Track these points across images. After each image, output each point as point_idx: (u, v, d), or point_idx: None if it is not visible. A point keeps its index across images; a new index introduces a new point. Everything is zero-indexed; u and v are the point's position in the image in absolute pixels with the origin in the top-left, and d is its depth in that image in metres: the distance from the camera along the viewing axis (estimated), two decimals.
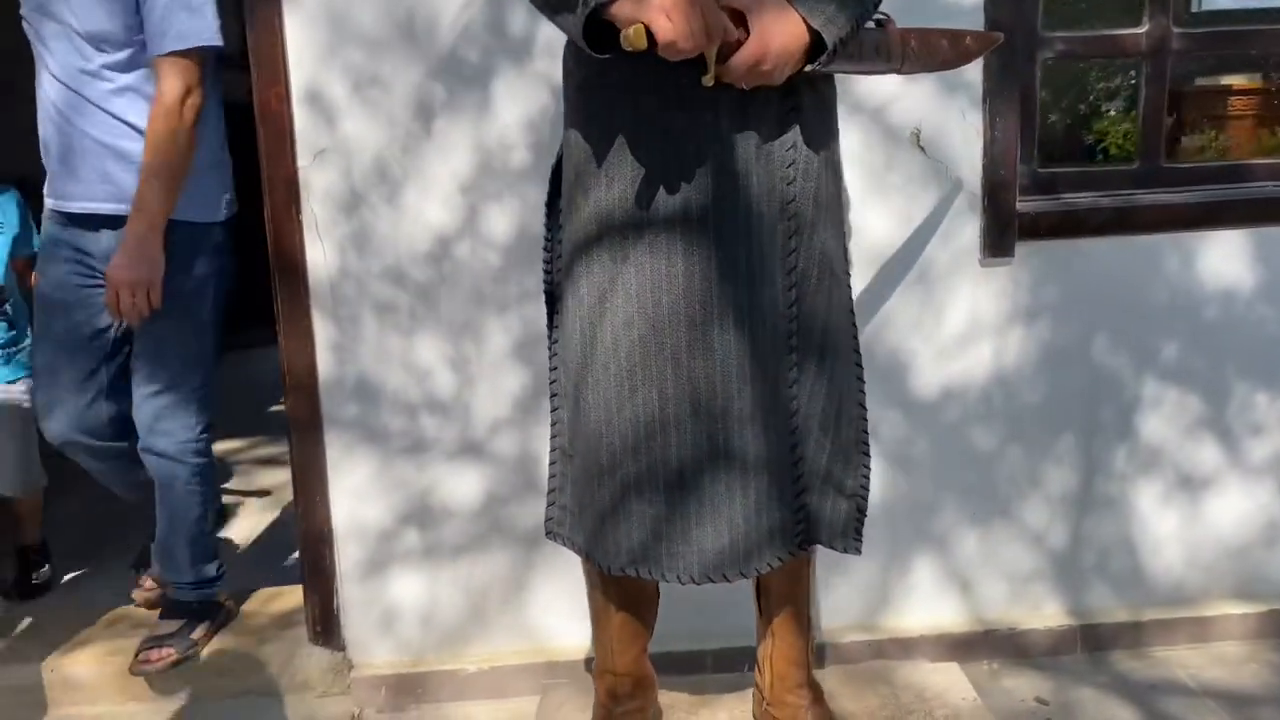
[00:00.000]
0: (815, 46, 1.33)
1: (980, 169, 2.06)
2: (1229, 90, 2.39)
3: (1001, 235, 2.07)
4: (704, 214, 1.39)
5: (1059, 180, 2.14)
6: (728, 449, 1.45)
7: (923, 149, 2.05)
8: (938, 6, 2.00)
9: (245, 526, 3.04)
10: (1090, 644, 2.25)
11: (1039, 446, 2.20)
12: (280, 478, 3.24)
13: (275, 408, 3.98)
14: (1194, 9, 2.16)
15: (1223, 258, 2.14)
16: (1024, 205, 2.09)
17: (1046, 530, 2.24)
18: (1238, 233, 2.13)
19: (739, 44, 1.28)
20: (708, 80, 1.28)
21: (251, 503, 3.22)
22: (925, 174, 2.06)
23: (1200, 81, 2.53)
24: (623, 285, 1.42)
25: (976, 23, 2.01)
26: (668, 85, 1.36)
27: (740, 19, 1.29)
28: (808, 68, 1.34)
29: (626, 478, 1.47)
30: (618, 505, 1.49)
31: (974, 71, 2.02)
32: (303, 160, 1.98)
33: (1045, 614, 2.26)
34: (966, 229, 2.09)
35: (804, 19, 1.30)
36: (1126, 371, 2.18)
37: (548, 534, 1.64)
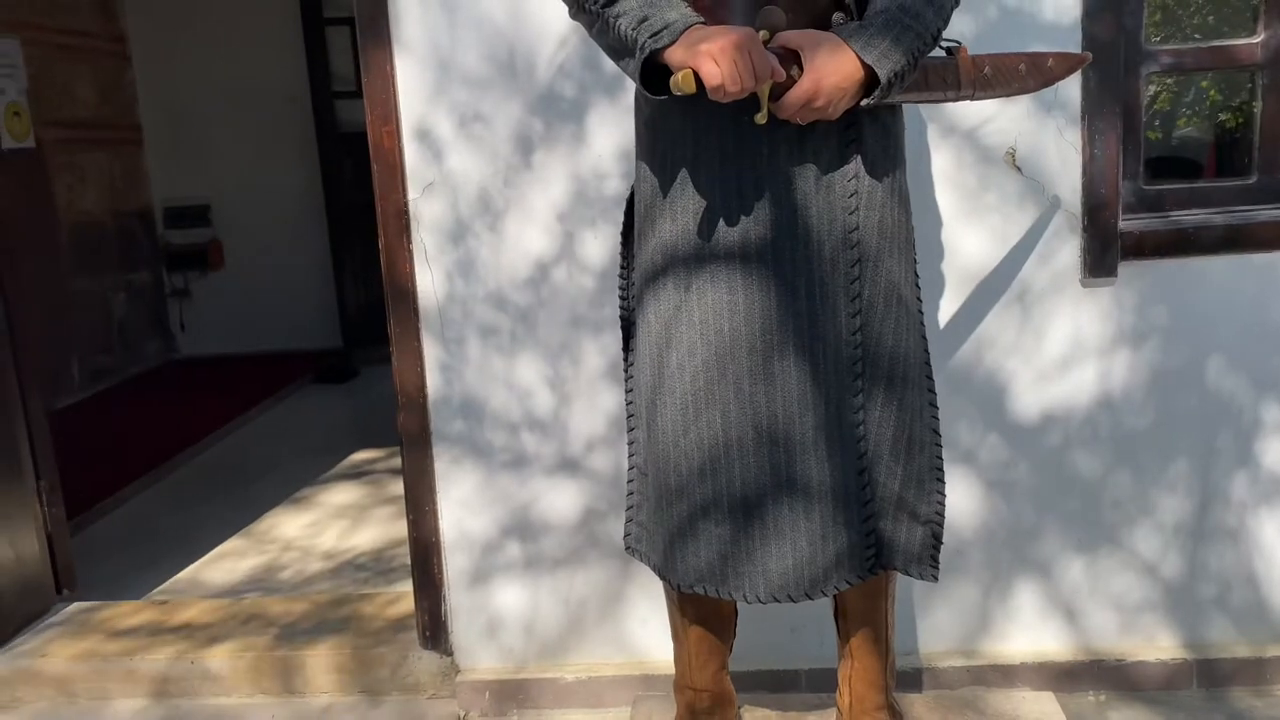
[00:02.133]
0: (872, 80, 1.35)
1: (1079, 187, 2.01)
2: None
3: (1103, 254, 2.02)
4: (763, 245, 1.43)
5: (1166, 197, 2.06)
6: (790, 474, 1.48)
7: (1019, 168, 2.02)
8: (1034, 26, 1.97)
9: (372, 534, 3.22)
10: (1207, 680, 2.15)
11: (1149, 473, 2.12)
12: None
13: None
14: None
15: None
16: (1127, 224, 2.02)
17: (1160, 560, 2.15)
18: None
19: (792, 82, 1.32)
20: (761, 118, 1.32)
21: (377, 510, 3.41)
22: (1022, 193, 2.03)
23: None
24: (686, 314, 1.48)
25: (1074, 40, 1.97)
26: (726, 122, 1.41)
27: (794, 57, 1.33)
28: (863, 102, 1.36)
29: (693, 499, 1.52)
30: (685, 525, 1.54)
31: (1071, 88, 1.98)
32: (413, 193, 2.12)
33: (1158, 646, 2.18)
34: (1066, 249, 2.04)
35: (857, 55, 1.33)
36: (1244, 395, 2.08)
37: (627, 549, 1.70)
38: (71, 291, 5.00)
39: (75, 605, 2.65)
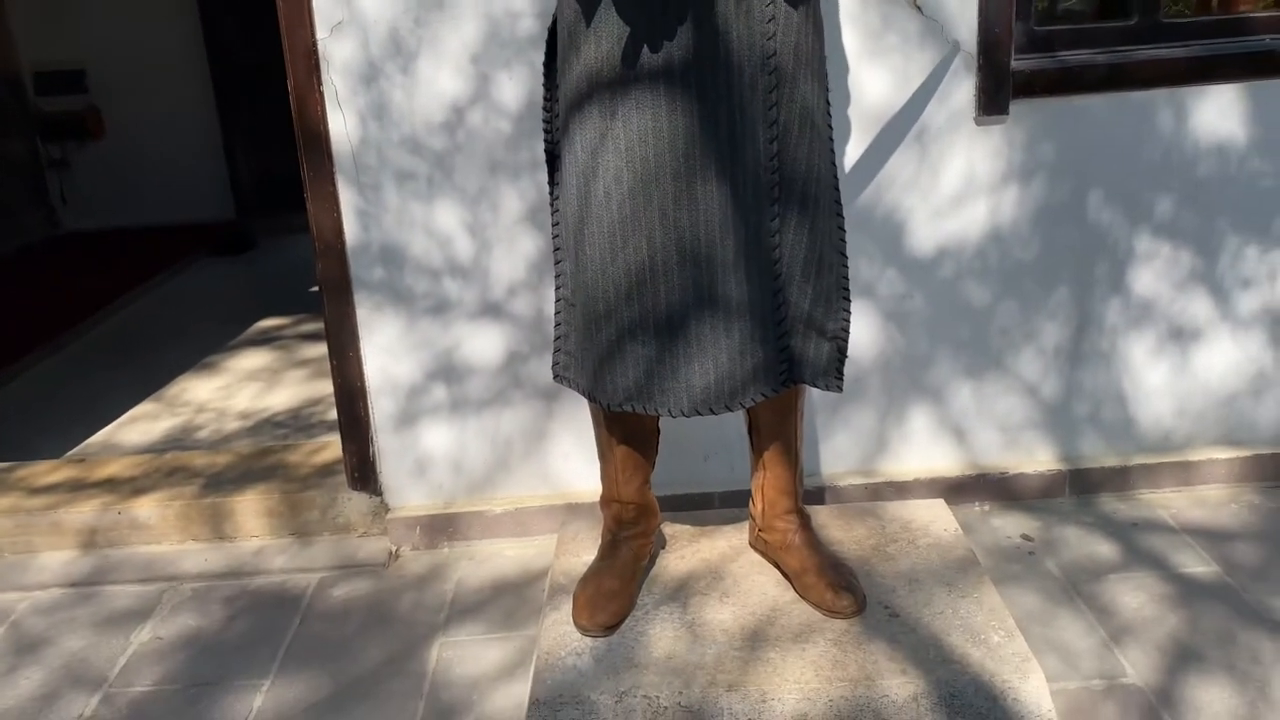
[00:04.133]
0: None
1: (976, 28, 2.10)
2: None
3: (996, 93, 2.13)
4: (686, 70, 1.49)
5: (1055, 38, 2.17)
6: (712, 294, 1.58)
7: (919, 9, 2.09)
8: None
9: (287, 394, 3.24)
10: (1078, 488, 2.38)
11: (1033, 301, 2.29)
12: (323, 350, 3.43)
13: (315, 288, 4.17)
14: None
15: (1218, 112, 2.18)
16: (1019, 63, 2.13)
17: (1040, 382, 2.35)
18: (1233, 87, 2.16)
19: None
20: None
21: (290, 373, 3.42)
22: (922, 34, 2.11)
23: None
24: (612, 141, 1.53)
25: None
26: None
27: None
28: None
29: (621, 322, 1.61)
30: (614, 348, 1.63)
31: None
32: (321, 33, 2.08)
33: (1037, 460, 2.39)
34: (962, 88, 2.15)
35: None
36: (1120, 227, 2.25)
37: (555, 377, 1.79)
38: None
39: None
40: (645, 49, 1.49)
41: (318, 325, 3.71)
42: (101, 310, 4.17)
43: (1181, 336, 2.32)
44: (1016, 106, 2.15)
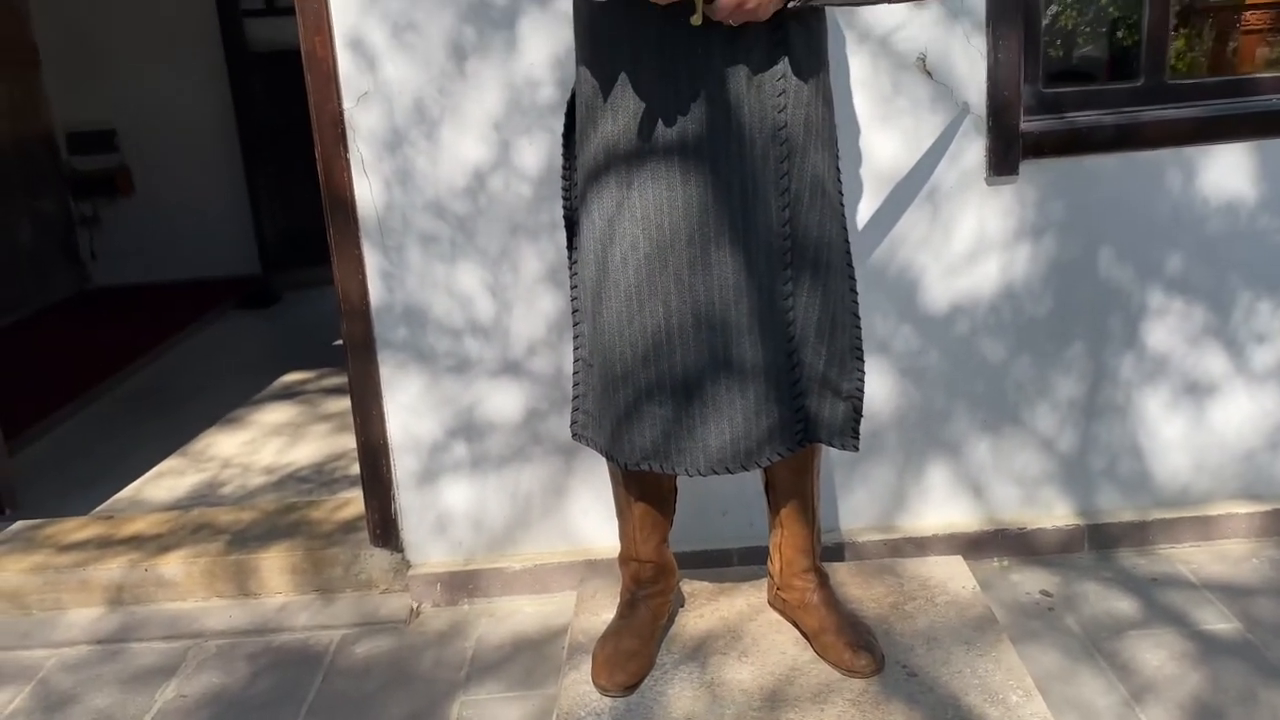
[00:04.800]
0: None
1: (985, 91, 2.15)
2: (1242, 4, 2.42)
3: (1006, 154, 2.17)
4: (699, 142, 1.54)
5: (1063, 100, 2.22)
6: (727, 356, 1.61)
7: (929, 74, 2.14)
8: None
9: (311, 449, 3.29)
10: (1097, 543, 2.38)
11: (1047, 356, 2.31)
12: (346, 405, 3.48)
13: (339, 342, 4.23)
14: None
15: (1226, 171, 2.21)
16: (1028, 125, 2.17)
17: (1056, 436, 2.36)
18: (1240, 146, 2.19)
19: None
20: (695, 20, 1.42)
21: (313, 428, 3.47)
22: (932, 98, 2.16)
23: None
24: (629, 209, 1.58)
25: None
26: (663, 25, 1.49)
27: None
28: (789, 5, 1.46)
29: (639, 384, 1.64)
30: (632, 408, 1.66)
31: None
32: (348, 102, 2.15)
33: (1055, 515, 2.40)
34: (973, 149, 2.19)
35: None
36: (1132, 283, 2.27)
37: (574, 436, 1.82)
38: None
39: (20, 523, 2.68)
40: (660, 123, 1.54)
41: (340, 379, 3.76)
42: (129, 365, 4.24)
43: (1196, 391, 2.34)
44: (1026, 166, 2.19)
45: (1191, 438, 2.36)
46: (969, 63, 2.14)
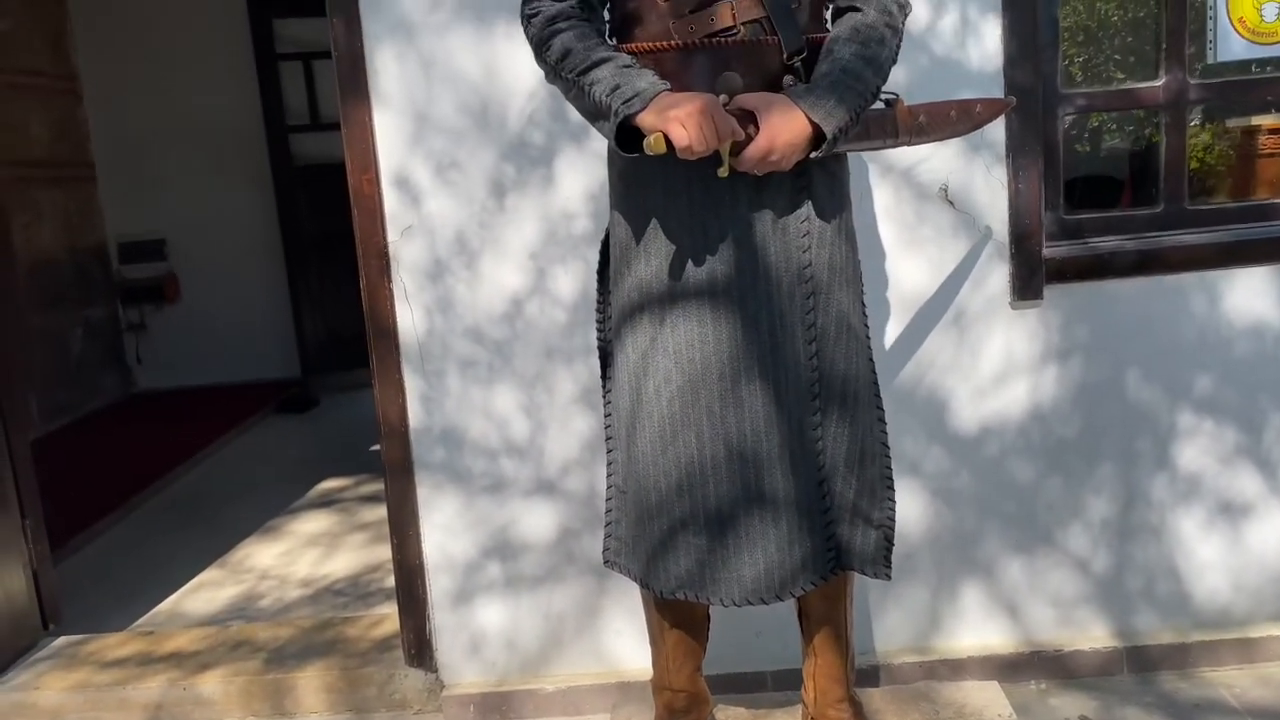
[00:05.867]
0: (819, 135, 1.53)
1: (1006, 219, 2.21)
2: (1258, 129, 2.49)
3: (1030, 280, 2.21)
4: (728, 283, 1.60)
5: (1085, 225, 2.27)
6: (759, 487, 1.64)
7: (951, 203, 2.21)
8: (963, 73, 2.17)
9: (347, 560, 3.32)
10: (1137, 665, 2.35)
11: (1078, 477, 2.31)
12: (381, 513, 3.53)
13: (375, 447, 4.30)
14: (1209, 61, 2.28)
15: (1250, 294, 2.24)
16: (1050, 250, 2.22)
17: (1091, 557, 2.35)
18: (1263, 270, 2.23)
19: (749, 140, 1.48)
20: (722, 172, 1.49)
21: (350, 538, 3.51)
22: (955, 225, 2.22)
23: (1230, 122, 2.63)
24: (661, 345, 1.64)
25: (998, 86, 2.17)
26: (692, 174, 1.57)
27: (751, 117, 1.50)
28: (813, 154, 1.54)
29: (672, 513, 1.68)
30: (665, 538, 1.69)
31: (997, 129, 2.18)
32: (392, 235, 2.25)
33: (1092, 636, 2.37)
34: (997, 274, 2.24)
35: (806, 114, 1.50)
36: (1161, 404, 2.29)
37: (606, 563, 1.85)
38: (28, 329, 5.02)
39: (63, 639, 2.73)
40: (691, 264, 1.61)
41: (377, 486, 3.81)
42: (171, 471, 4.33)
43: (1231, 511, 2.33)
44: (1050, 291, 2.23)
45: (1229, 558, 2.34)
46: (990, 192, 2.20)
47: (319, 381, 5.74)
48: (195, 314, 5.85)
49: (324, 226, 5.62)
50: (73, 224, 5.50)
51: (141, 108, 5.64)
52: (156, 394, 5.81)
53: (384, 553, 3.15)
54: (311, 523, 3.74)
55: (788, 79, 1.58)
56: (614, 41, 1.66)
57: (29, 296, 5.05)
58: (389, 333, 2.27)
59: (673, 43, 1.56)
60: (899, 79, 2.09)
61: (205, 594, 3.15)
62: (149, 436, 4.92)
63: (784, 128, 1.49)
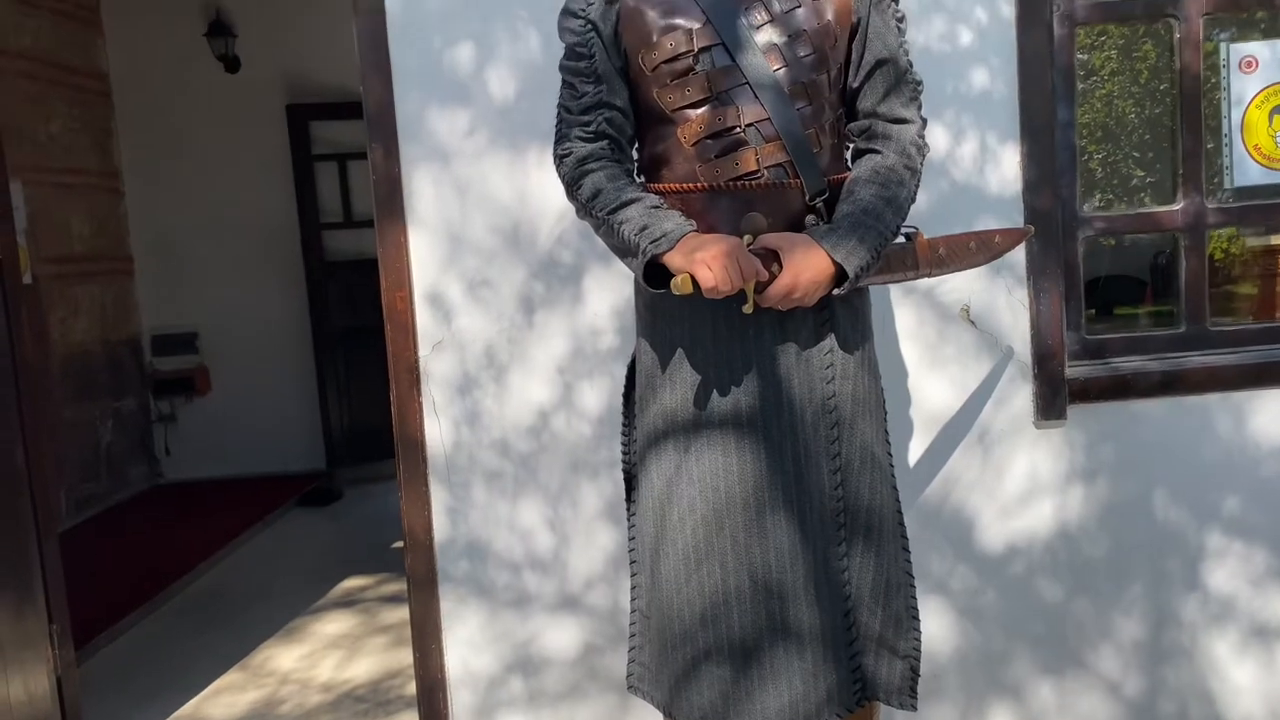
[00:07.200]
0: (841, 273, 1.56)
1: (1029, 339, 2.23)
2: (1278, 249, 2.52)
3: (1054, 400, 2.23)
4: (753, 414, 1.62)
5: (1107, 346, 2.29)
6: (784, 619, 1.64)
7: (973, 323, 2.24)
8: (982, 199, 2.21)
9: (368, 665, 3.30)
10: None
11: (1106, 597, 2.29)
12: (403, 614, 3.51)
13: (397, 544, 4.30)
14: (1225, 186, 2.32)
15: (1274, 416, 2.24)
16: (1073, 371, 2.24)
17: (1122, 679, 2.31)
18: None
19: (773, 278, 1.52)
20: (747, 309, 1.53)
21: (371, 640, 3.49)
22: (978, 346, 2.25)
23: (1251, 242, 2.66)
24: (686, 474, 1.66)
25: (1017, 211, 2.21)
26: (717, 309, 1.61)
27: (774, 256, 1.54)
28: (835, 291, 1.57)
29: (697, 643, 1.67)
30: (690, 668, 1.69)
31: (1018, 253, 2.21)
32: (423, 350, 2.29)
33: None
34: (1020, 394, 2.25)
35: (828, 253, 1.54)
36: (1189, 525, 2.27)
37: (630, 689, 1.84)
38: (61, 421, 5.10)
39: None
40: (715, 395, 1.63)
41: (399, 586, 3.81)
42: (194, 568, 4.34)
43: (1265, 634, 2.29)
44: (1074, 411, 2.24)
45: (1264, 682, 2.30)
46: (1012, 313, 2.23)
47: (343, 473, 5.77)
48: (225, 406, 5.93)
49: (352, 320, 5.73)
50: (108, 317, 5.62)
51: (180, 204, 5.80)
52: (183, 485, 5.85)
53: (405, 657, 3.15)
54: (333, 623, 3.72)
55: (810, 219, 1.62)
56: (642, 180, 1.72)
57: (63, 389, 5.14)
58: (417, 445, 2.30)
59: (699, 185, 1.61)
60: (921, 204, 2.14)
61: (226, 698, 3.14)
62: (174, 530, 4.94)
63: (807, 266, 1.53)
